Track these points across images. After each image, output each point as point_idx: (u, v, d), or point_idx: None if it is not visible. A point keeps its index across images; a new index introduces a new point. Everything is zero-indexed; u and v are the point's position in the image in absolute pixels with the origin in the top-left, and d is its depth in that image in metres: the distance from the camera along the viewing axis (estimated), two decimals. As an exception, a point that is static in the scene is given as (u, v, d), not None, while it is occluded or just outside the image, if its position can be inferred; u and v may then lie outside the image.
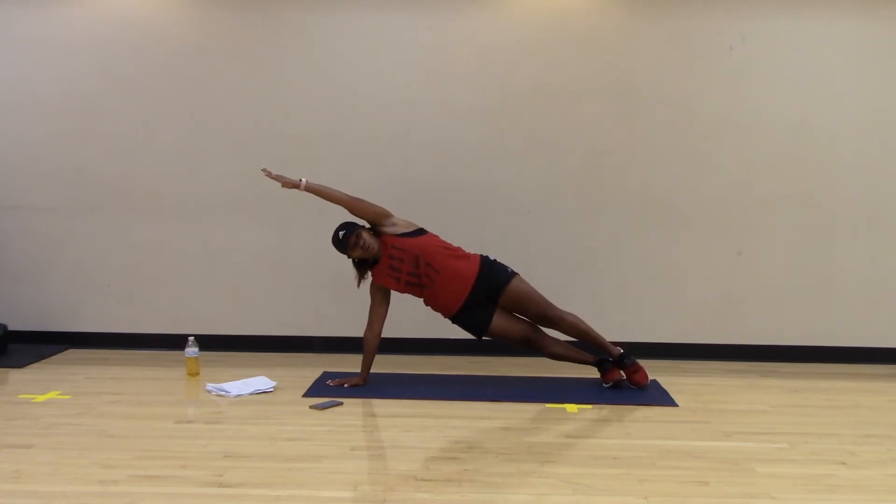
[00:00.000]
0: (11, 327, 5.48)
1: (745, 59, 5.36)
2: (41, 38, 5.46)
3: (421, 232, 4.67)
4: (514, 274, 4.71)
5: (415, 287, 4.66)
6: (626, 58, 5.40)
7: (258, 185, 5.40)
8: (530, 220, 5.47)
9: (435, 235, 4.71)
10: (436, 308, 4.74)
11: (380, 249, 4.59)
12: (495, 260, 4.75)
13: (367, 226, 4.64)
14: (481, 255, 4.72)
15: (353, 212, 4.62)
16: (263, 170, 4.57)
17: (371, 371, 4.68)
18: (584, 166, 5.46)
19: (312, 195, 4.61)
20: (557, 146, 5.45)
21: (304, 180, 4.54)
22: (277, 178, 4.56)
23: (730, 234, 5.45)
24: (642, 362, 4.72)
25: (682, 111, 5.41)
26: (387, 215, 4.65)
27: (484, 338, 4.80)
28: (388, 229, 4.63)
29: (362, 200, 4.62)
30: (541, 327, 4.78)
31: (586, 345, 4.78)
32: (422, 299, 4.75)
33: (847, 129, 5.38)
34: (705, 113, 5.40)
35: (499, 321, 4.70)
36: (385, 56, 5.43)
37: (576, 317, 4.71)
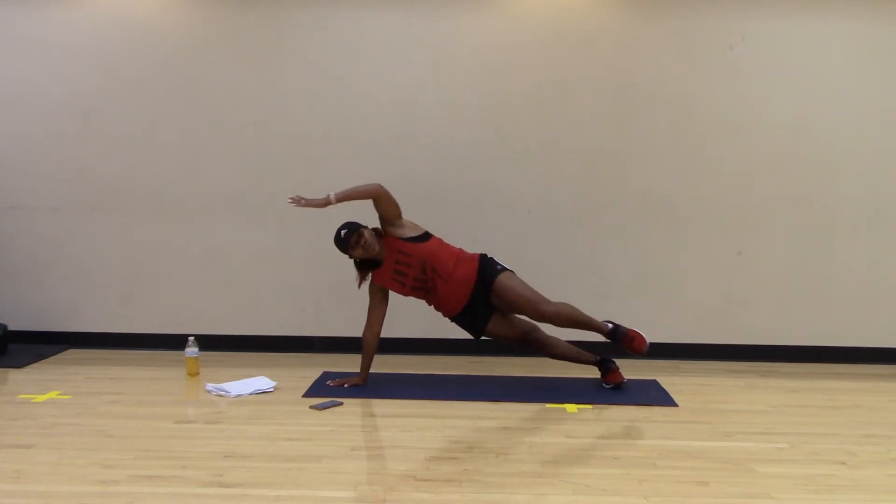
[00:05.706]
0: (11, 327, 5.48)
1: (745, 59, 5.36)
2: (41, 38, 5.46)
3: (427, 236, 4.65)
4: (501, 269, 4.64)
5: (419, 291, 4.65)
6: (626, 58, 5.40)
7: (258, 185, 5.42)
8: (530, 220, 5.47)
9: (439, 239, 4.69)
10: (438, 309, 4.75)
11: (382, 250, 4.58)
12: (492, 258, 4.73)
13: (370, 226, 4.63)
14: (480, 255, 4.71)
15: (378, 200, 4.53)
16: (291, 199, 4.53)
17: (371, 371, 4.68)
18: (584, 166, 5.46)
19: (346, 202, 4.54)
20: (557, 146, 5.45)
21: (331, 194, 4.49)
22: (308, 203, 4.50)
23: (730, 234, 5.45)
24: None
25: (681, 111, 5.40)
26: (399, 215, 4.62)
27: (482, 338, 4.80)
28: (396, 231, 4.61)
29: (388, 192, 4.55)
30: (541, 326, 4.76)
31: (583, 330, 4.66)
32: (424, 300, 4.75)
33: (847, 129, 5.38)
34: (705, 113, 5.40)
35: (496, 321, 4.70)
36: (385, 56, 5.43)
37: (569, 306, 4.58)
